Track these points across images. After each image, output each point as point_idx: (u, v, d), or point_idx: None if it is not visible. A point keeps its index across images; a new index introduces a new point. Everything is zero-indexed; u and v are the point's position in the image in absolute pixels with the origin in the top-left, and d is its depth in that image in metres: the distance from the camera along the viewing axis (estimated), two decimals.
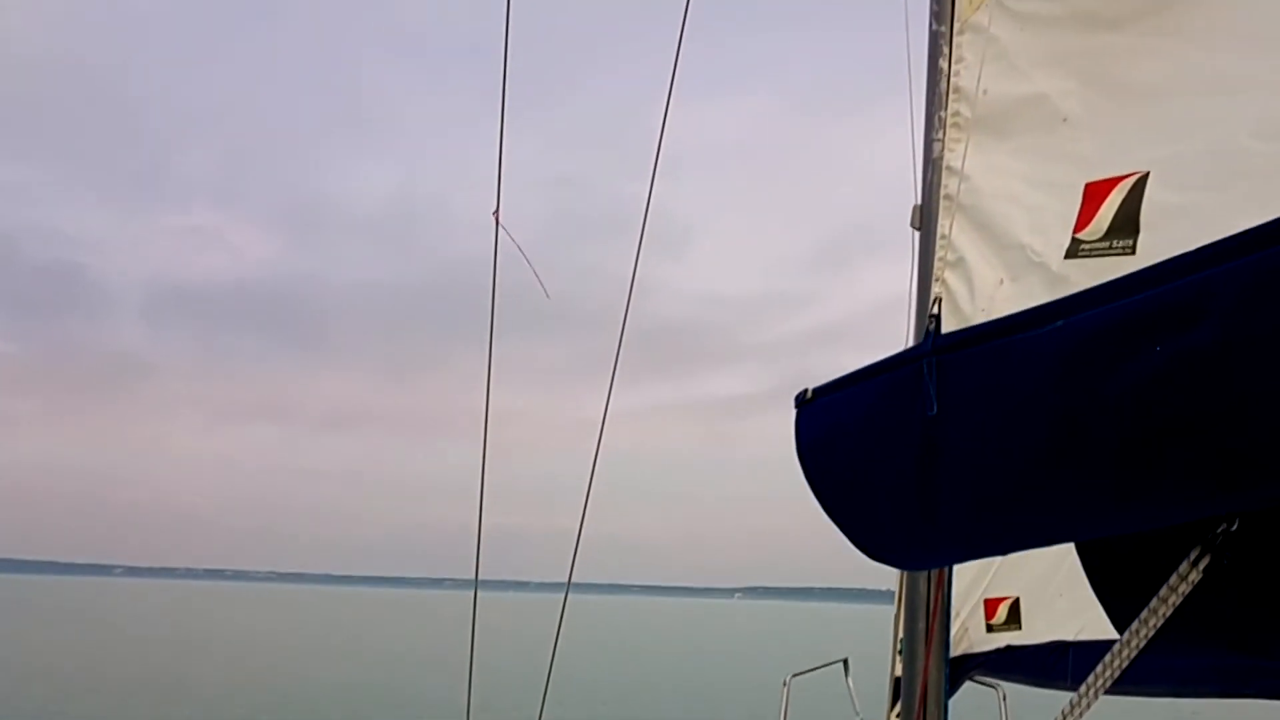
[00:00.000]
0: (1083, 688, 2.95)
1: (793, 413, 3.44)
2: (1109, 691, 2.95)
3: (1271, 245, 2.24)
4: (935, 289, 3.57)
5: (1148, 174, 3.27)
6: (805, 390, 3.53)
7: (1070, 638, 4.98)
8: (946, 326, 3.64)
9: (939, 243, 3.73)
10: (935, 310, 3.47)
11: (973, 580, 5.47)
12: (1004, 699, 6.21)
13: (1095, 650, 3.32)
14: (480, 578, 4.88)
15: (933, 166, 3.82)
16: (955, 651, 5.38)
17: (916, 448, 2.98)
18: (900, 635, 4.31)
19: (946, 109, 3.79)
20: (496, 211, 4.37)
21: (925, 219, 3.83)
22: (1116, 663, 2.85)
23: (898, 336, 4.57)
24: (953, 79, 3.77)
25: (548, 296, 4.44)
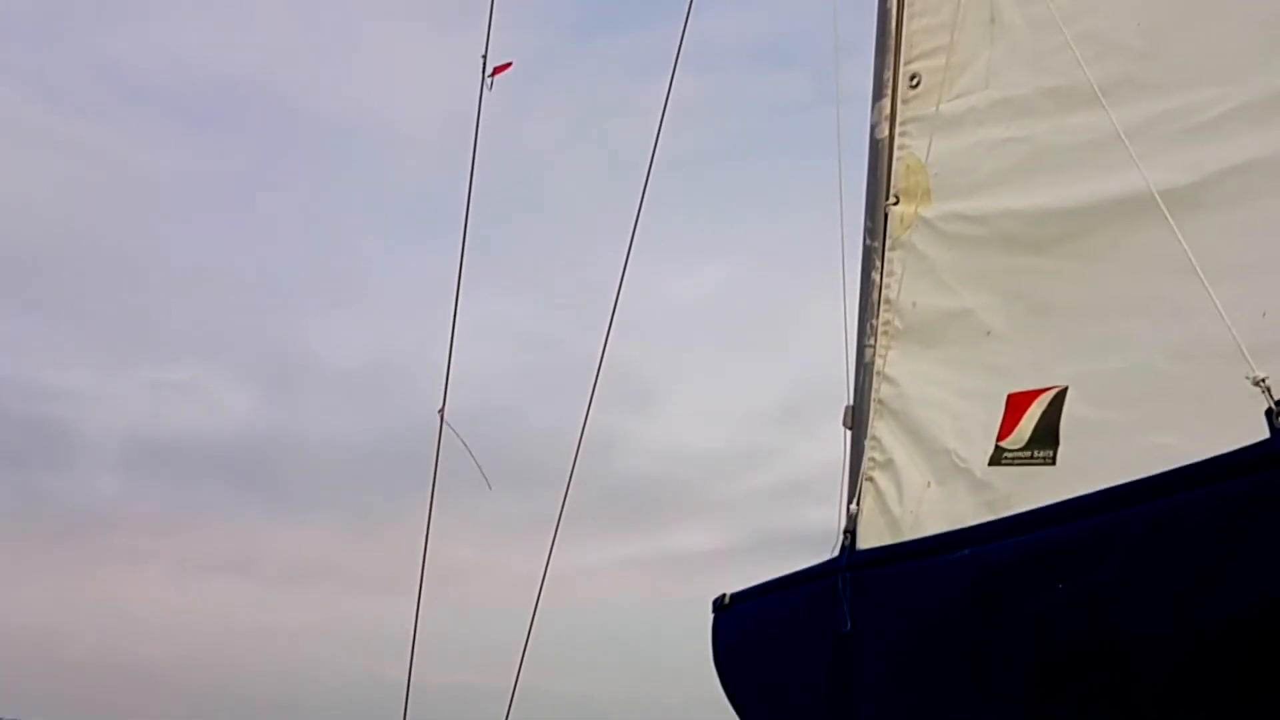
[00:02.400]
0: None
1: (709, 616, 3.47)
2: None
3: (1167, 495, 2.40)
4: (851, 507, 3.62)
5: (1066, 389, 3.44)
6: (723, 595, 3.58)
7: None
8: (875, 526, 3.72)
9: (869, 443, 3.84)
10: (850, 526, 3.52)
11: None
12: None
13: None
14: None
15: (865, 370, 3.97)
16: None
17: (830, 664, 3.04)
18: None
19: (878, 318, 3.96)
20: (442, 409, 4.46)
21: (857, 420, 3.95)
22: None
23: None
24: (884, 291, 3.95)
25: (490, 488, 4.48)
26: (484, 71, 4.49)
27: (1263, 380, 2.52)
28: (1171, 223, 2.99)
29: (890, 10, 4.00)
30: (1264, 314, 3.07)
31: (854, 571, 3.06)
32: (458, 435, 4.47)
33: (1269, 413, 2.42)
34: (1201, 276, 2.86)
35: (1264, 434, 2.50)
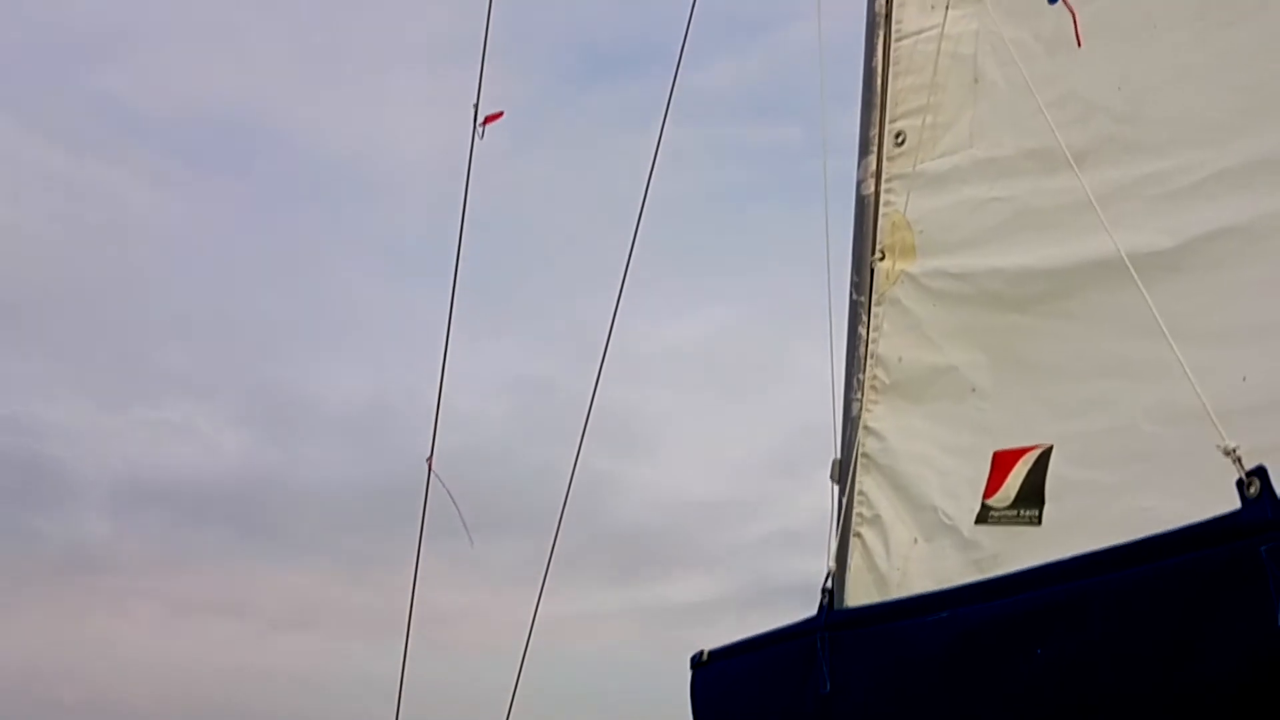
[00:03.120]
0: None
1: (688, 673, 3.48)
2: None
3: (1143, 562, 2.43)
4: (829, 563, 3.63)
5: (1051, 448, 3.47)
6: (701, 652, 3.58)
7: None
8: (863, 582, 3.75)
9: (856, 498, 3.87)
10: (829, 584, 3.51)
11: None
12: None
13: None
14: None
15: (852, 425, 4.00)
16: None
17: None
18: None
19: (865, 372, 3.99)
20: (430, 458, 4.47)
21: (844, 474, 3.98)
22: None
23: None
24: (871, 345, 3.99)
25: (471, 544, 4.50)
26: (475, 120, 4.53)
27: (1233, 450, 2.55)
28: (1140, 285, 3.03)
29: (876, 69, 4.05)
30: (1244, 378, 3.11)
31: (832, 632, 3.07)
32: (444, 486, 4.49)
33: (1240, 483, 2.46)
34: (1169, 339, 2.90)
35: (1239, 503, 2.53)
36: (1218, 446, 2.64)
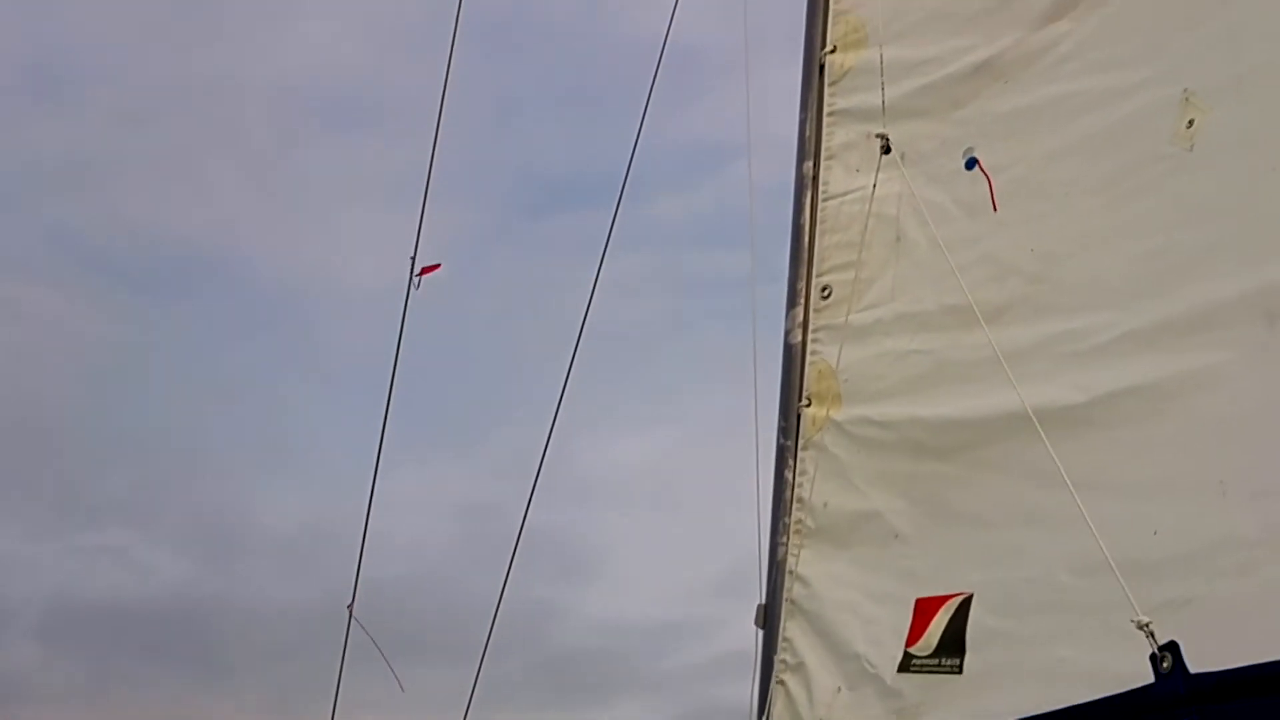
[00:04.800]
0: None
1: None
2: None
3: None
4: (752, 713, 3.63)
5: (971, 596, 3.53)
6: None
7: None
8: None
9: (781, 644, 3.89)
10: None
11: None
12: None
13: None
14: None
15: (777, 569, 4.04)
16: None
17: None
18: None
19: (791, 516, 4.05)
20: (351, 604, 4.43)
21: (769, 619, 4.00)
22: None
23: None
24: (797, 489, 4.06)
25: (403, 690, 4.42)
26: (412, 271, 4.62)
27: (1147, 624, 2.63)
28: (1044, 439, 3.15)
29: (804, 226, 4.22)
30: (1155, 532, 3.21)
31: None
32: (367, 633, 4.43)
33: (1153, 658, 2.52)
34: (1073, 492, 3.00)
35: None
36: (1131, 620, 2.71)
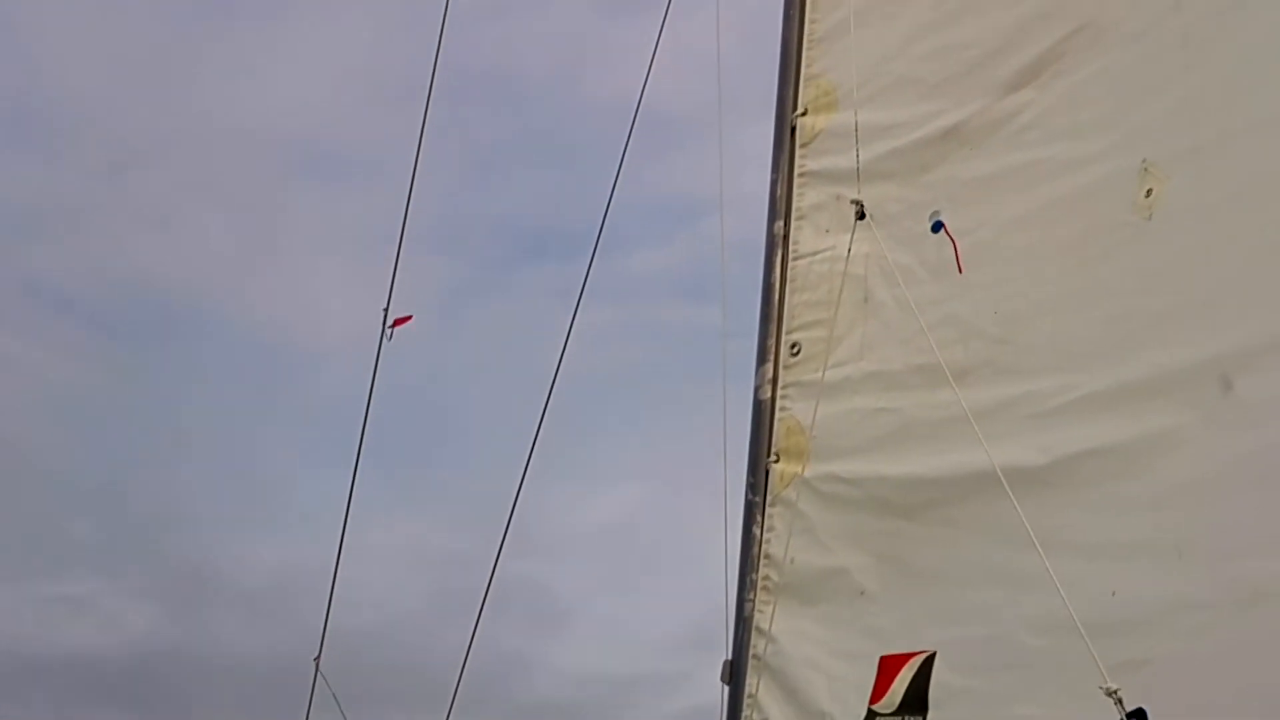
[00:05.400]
0: None
1: None
2: None
3: None
4: None
5: (935, 654, 3.57)
6: None
7: None
8: None
9: (747, 701, 3.90)
10: None
11: None
12: None
13: None
14: None
15: (744, 625, 4.06)
16: None
17: None
18: None
19: (758, 572, 4.08)
20: (318, 657, 4.42)
21: (735, 675, 4.02)
22: None
23: None
24: (764, 546, 4.09)
25: None
26: (384, 323, 4.66)
27: (1115, 691, 2.67)
28: (1012, 499, 3.20)
29: (774, 285, 4.28)
30: (1113, 593, 3.26)
31: None
32: (329, 688, 4.42)
33: None
34: (1041, 555, 3.05)
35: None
36: (1100, 687, 2.75)
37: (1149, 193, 3.50)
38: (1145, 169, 3.52)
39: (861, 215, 4.12)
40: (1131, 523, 3.34)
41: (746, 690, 3.90)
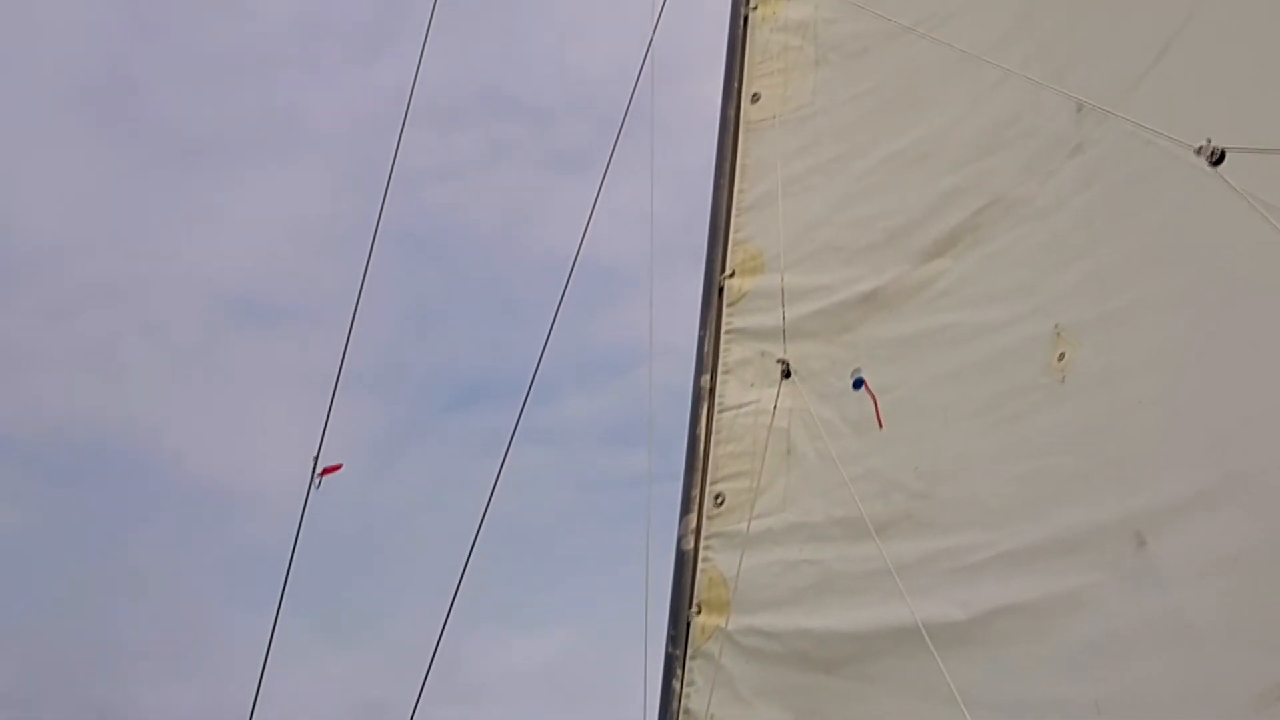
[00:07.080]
0: None
1: None
2: None
3: None
4: None
5: None
6: None
7: None
8: None
9: None
10: None
11: None
12: None
13: None
14: None
15: None
16: None
17: None
18: None
19: None
20: None
21: None
22: None
23: None
24: (684, 701, 4.03)
25: None
26: (314, 470, 4.63)
27: None
28: (937, 658, 3.22)
29: (699, 436, 4.35)
30: None
31: None
32: None
33: None
34: (964, 712, 3.05)
35: None
36: None
37: (1061, 357, 3.65)
38: (1058, 334, 3.67)
39: (787, 374, 4.23)
40: (1049, 680, 3.36)
41: None
